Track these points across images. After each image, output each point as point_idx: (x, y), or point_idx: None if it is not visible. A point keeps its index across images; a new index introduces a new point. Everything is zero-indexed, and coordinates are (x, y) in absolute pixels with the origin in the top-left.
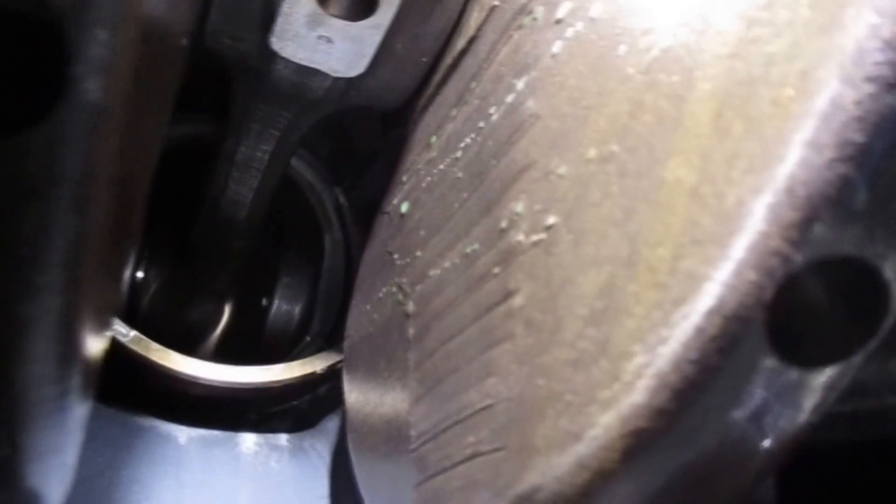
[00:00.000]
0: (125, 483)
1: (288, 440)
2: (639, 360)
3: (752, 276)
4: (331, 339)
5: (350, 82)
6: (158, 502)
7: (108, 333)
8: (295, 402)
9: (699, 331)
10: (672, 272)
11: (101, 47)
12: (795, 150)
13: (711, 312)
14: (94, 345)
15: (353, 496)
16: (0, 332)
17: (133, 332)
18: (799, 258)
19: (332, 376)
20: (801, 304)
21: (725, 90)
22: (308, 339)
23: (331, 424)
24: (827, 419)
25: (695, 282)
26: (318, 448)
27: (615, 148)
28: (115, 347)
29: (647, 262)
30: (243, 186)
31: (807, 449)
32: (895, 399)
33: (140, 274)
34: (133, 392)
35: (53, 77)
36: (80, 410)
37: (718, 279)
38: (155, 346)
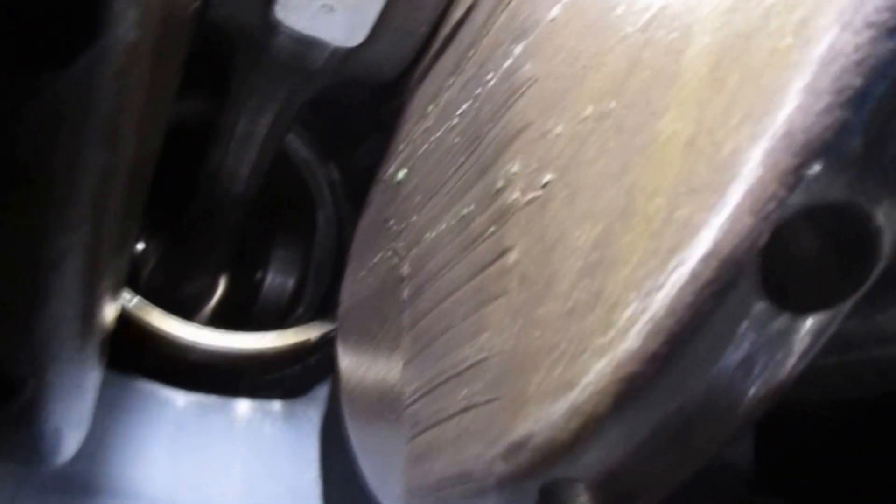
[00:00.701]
0: (124, 444)
1: (281, 406)
2: (633, 307)
3: (747, 221)
4: (322, 311)
5: (349, 53)
6: (156, 463)
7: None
8: (287, 371)
9: (694, 276)
10: (668, 221)
11: None
12: (793, 97)
13: (706, 257)
14: (114, 285)
15: (342, 461)
16: (36, 266)
17: (136, 298)
18: (794, 203)
19: (324, 345)
20: (793, 250)
21: (723, 43)
22: (300, 310)
23: (322, 392)
24: (812, 372)
25: (690, 229)
26: (310, 414)
27: (612, 105)
28: (120, 313)
29: (642, 213)
30: (241, 161)
31: (788, 408)
32: (881, 351)
33: (140, 247)
34: (133, 357)
35: (90, 14)
36: (99, 351)
37: (714, 225)
38: (156, 311)
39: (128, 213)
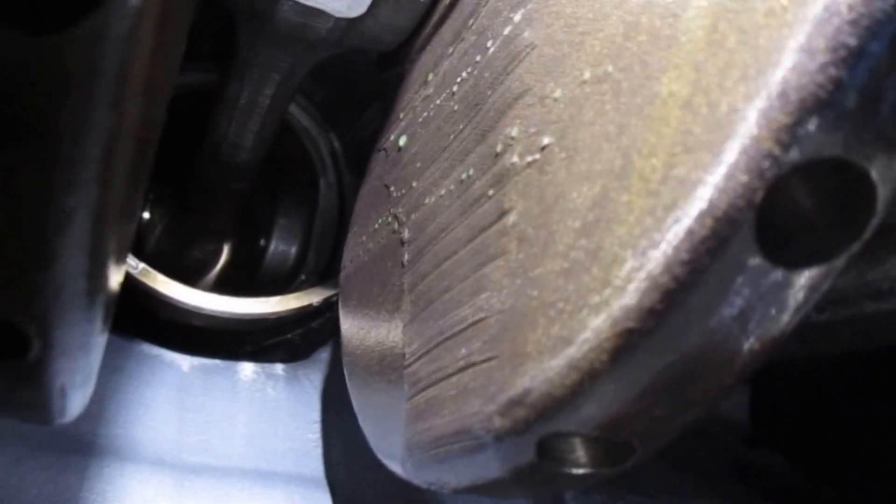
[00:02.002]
0: (132, 406)
1: (283, 370)
2: (630, 264)
3: (743, 178)
4: (324, 278)
5: (350, 23)
6: (163, 424)
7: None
8: (289, 335)
9: (690, 233)
10: (664, 180)
11: None
12: (788, 56)
13: (702, 215)
14: (119, 249)
15: (342, 422)
16: (43, 224)
17: (142, 265)
18: (789, 160)
19: (326, 309)
20: (789, 207)
21: (720, 5)
22: (303, 277)
23: (323, 356)
24: (806, 329)
25: (687, 187)
26: (312, 378)
27: (609, 68)
28: (126, 279)
29: (639, 173)
30: (244, 130)
31: (783, 364)
32: (874, 307)
33: (146, 215)
34: (140, 322)
35: None
36: (104, 313)
37: (710, 183)
38: (161, 277)
39: (134, 176)
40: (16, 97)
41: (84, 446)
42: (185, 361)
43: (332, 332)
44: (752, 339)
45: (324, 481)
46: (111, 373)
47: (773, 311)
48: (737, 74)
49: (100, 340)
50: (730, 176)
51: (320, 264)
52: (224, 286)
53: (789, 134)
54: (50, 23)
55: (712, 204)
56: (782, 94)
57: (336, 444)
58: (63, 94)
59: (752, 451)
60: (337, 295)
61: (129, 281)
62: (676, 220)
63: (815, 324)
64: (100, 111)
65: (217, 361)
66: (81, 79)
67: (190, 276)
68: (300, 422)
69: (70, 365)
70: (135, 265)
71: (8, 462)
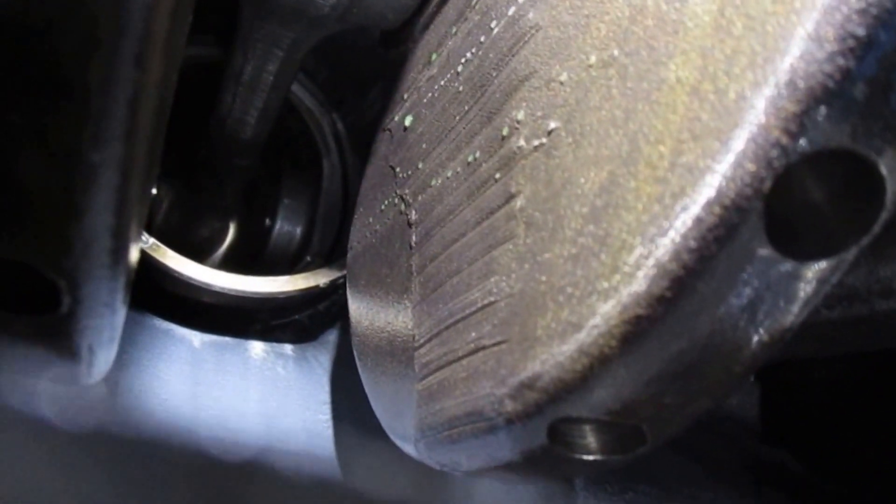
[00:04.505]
0: (144, 380)
1: (292, 350)
2: (638, 251)
3: (751, 166)
4: (329, 258)
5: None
6: (175, 398)
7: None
8: (297, 317)
9: (698, 221)
10: (672, 167)
11: None
12: (797, 44)
13: (710, 203)
14: (140, 215)
15: (351, 403)
16: (74, 179)
17: (152, 240)
18: (797, 150)
19: (333, 291)
20: (798, 198)
21: None
22: (308, 258)
23: (331, 338)
24: (817, 326)
25: (694, 175)
26: (320, 359)
27: (616, 52)
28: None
29: (647, 159)
30: (248, 107)
31: (793, 361)
32: (885, 305)
33: (153, 192)
34: (152, 297)
35: None
36: (127, 274)
37: (718, 171)
38: (171, 253)
39: (154, 138)
40: (48, 53)
41: (95, 420)
42: (195, 337)
43: (338, 315)
44: (761, 330)
45: (335, 462)
46: (123, 346)
47: (782, 303)
48: (744, 61)
49: (123, 302)
50: (737, 164)
51: (325, 245)
52: (230, 265)
53: (797, 123)
54: None
55: (720, 192)
56: (790, 83)
57: (346, 427)
58: (93, 49)
59: (761, 448)
60: (343, 277)
61: (141, 255)
62: (684, 208)
63: (825, 321)
64: (126, 68)
65: (227, 339)
66: (109, 35)
67: (197, 254)
68: (310, 402)
69: (98, 322)
70: (145, 240)
71: (18, 441)
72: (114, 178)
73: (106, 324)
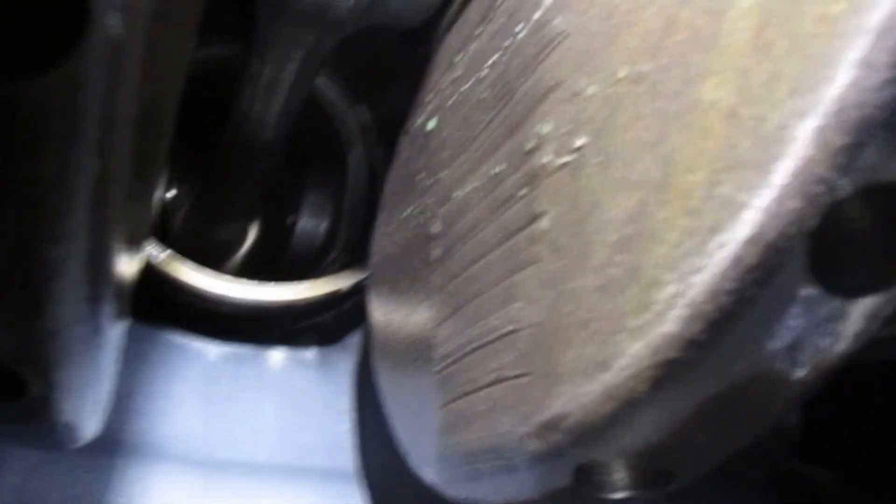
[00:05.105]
0: (157, 397)
1: (314, 355)
2: (671, 288)
3: (795, 203)
4: (355, 254)
5: (373, 0)
6: (188, 416)
7: (142, 256)
8: (320, 319)
9: (737, 260)
10: (707, 198)
11: None
12: (845, 70)
13: (751, 241)
14: (127, 272)
15: (374, 411)
16: (28, 276)
17: (165, 254)
18: (846, 185)
19: (356, 293)
20: (843, 232)
21: (767, 6)
22: (333, 255)
23: (355, 340)
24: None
25: (732, 209)
26: (344, 362)
27: (647, 67)
28: (149, 268)
29: (679, 188)
30: (268, 107)
31: (836, 377)
32: None
33: (170, 195)
34: (165, 310)
35: (72, 16)
36: (113, 343)
37: (758, 206)
38: (186, 265)
39: (140, 202)
40: None
41: (107, 442)
42: (211, 350)
43: (363, 316)
44: (804, 371)
45: (356, 476)
46: (134, 363)
47: (828, 342)
48: (785, 87)
49: (109, 370)
50: (780, 201)
51: (351, 241)
52: (251, 267)
53: (847, 157)
54: (23, 67)
55: (761, 230)
56: (839, 113)
57: (368, 436)
58: (44, 142)
59: (800, 465)
60: (365, 279)
61: (155, 269)
62: (721, 245)
63: (876, 339)
64: (85, 157)
65: (245, 349)
66: (63, 125)
67: (217, 256)
68: (330, 411)
69: (75, 402)
70: (159, 252)
71: (30, 464)
72: (80, 270)
73: (86, 400)
